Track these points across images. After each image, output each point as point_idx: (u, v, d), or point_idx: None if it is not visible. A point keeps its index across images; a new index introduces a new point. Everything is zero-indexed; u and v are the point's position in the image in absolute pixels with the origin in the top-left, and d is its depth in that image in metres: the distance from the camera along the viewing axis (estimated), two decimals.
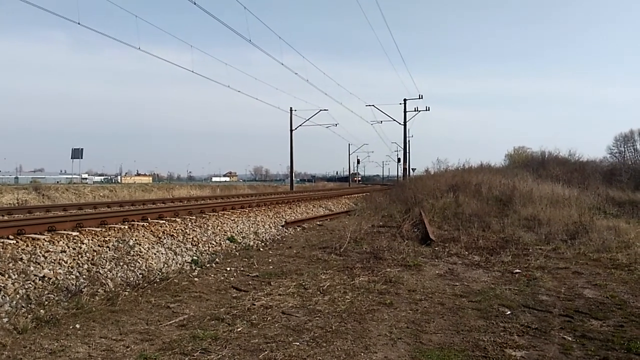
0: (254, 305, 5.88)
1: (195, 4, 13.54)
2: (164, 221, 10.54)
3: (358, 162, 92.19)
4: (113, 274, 6.98)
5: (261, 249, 10.56)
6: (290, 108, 41.85)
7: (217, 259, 9.05)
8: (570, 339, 4.74)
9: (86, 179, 78.76)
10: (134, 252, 8.01)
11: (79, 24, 13.41)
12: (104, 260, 7.29)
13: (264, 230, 12.73)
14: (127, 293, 6.34)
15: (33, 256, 6.62)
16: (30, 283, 5.92)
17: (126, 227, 9.26)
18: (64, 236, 7.78)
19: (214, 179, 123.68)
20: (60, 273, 6.44)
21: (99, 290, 6.30)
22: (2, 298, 5.40)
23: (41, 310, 5.33)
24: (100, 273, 6.86)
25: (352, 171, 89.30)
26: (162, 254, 8.46)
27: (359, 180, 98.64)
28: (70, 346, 4.44)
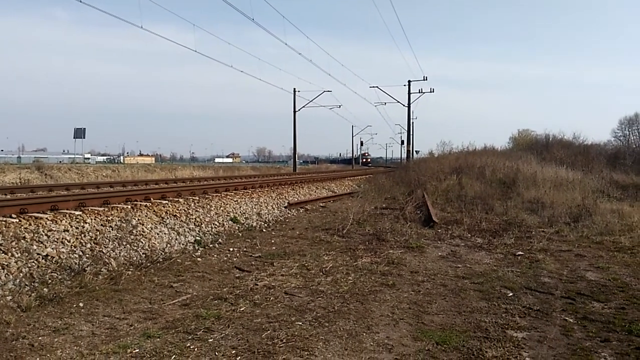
0: (257, 285, 5.90)
1: None
2: (167, 201, 10.54)
3: (361, 144, 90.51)
4: (116, 253, 7.01)
5: (264, 230, 10.58)
6: (294, 89, 41.66)
7: (220, 240, 9.08)
8: (571, 320, 4.75)
9: (89, 158, 78.94)
10: (136, 231, 8.03)
11: (80, 1, 13.23)
12: (107, 240, 7.31)
13: (266, 211, 12.74)
14: (130, 272, 6.36)
15: (36, 235, 6.64)
16: (33, 262, 5.94)
17: (129, 206, 9.26)
18: (67, 215, 7.79)
19: (216, 160, 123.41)
20: (63, 252, 6.46)
21: (102, 269, 6.32)
22: (5, 276, 5.43)
23: (45, 289, 5.36)
24: (103, 252, 6.89)
25: (357, 153, 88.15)
26: (165, 234, 8.48)
27: (368, 162, 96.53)
28: (74, 324, 4.48)
